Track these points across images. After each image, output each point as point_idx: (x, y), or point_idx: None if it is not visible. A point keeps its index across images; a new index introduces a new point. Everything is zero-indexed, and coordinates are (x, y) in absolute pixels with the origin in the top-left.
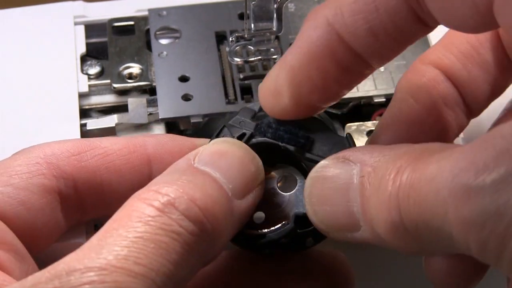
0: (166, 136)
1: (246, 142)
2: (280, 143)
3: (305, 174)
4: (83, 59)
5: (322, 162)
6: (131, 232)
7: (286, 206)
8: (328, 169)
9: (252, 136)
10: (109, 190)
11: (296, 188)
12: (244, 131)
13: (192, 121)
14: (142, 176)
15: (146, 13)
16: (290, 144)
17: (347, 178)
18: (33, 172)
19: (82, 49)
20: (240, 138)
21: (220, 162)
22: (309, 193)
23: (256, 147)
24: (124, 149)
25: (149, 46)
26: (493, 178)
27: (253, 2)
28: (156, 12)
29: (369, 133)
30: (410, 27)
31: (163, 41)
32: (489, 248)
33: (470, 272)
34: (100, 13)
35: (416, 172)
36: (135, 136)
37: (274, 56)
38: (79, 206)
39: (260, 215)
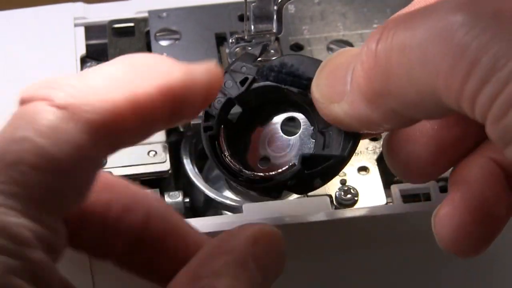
0: (180, 71)
1: (249, 87)
2: (282, 86)
3: (308, 116)
4: (83, 60)
5: (342, 49)
6: None
7: (291, 150)
8: (343, 50)
9: (254, 80)
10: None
11: (300, 131)
12: (246, 75)
13: (192, 122)
14: (165, 114)
15: (146, 14)
16: (293, 87)
17: (356, 54)
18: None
19: (82, 50)
20: (242, 83)
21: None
22: (318, 71)
23: (259, 91)
24: (151, 93)
25: (149, 48)
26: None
27: (253, 4)
28: (156, 14)
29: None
30: None
31: (163, 43)
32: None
33: (481, 231)
34: (100, 14)
35: (406, 31)
36: (152, 73)
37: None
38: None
39: (265, 159)
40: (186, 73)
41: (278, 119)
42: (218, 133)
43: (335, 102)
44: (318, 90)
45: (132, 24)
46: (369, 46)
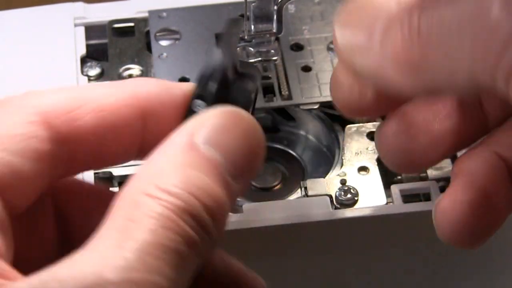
0: (155, 85)
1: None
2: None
3: None
4: (83, 60)
5: None
6: (147, 236)
7: None
8: None
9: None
10: (103, 149)
11: None
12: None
13: None
14: (135, 130)
15: (146, 14)
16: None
17: (388, 6)
18: (28, 134)
19: (82, 50)
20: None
21: (222, 140)
22: (342, 11)
23: None
24: (117, 103)
25: (149, 48)
26: None
27: (253, 4)
28: (156, 14)
29: (369, 134)
30: None
31: (163, 43)
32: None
33: (481, 223)
34: (100, 14)
35: (447, 7)
36: (125, 83)
37: (274, 58)
38: (69, 165)
39: None
40: (161, 88)
41: None
42: None
43: (359, 56)
44: (341, 36)
45: (132, 24)
46: (412, 17)
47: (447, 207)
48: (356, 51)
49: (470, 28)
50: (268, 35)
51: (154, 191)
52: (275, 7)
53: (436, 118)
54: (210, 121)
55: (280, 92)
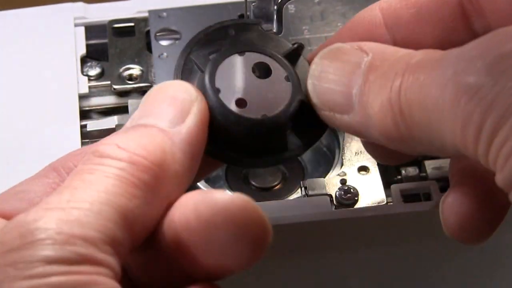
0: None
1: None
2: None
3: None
4: (83, 60)
5: (338, 44)
6: (61, 187)
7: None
8: (342, 50)
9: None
10: None
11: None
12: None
13: None
14: None
15: (146, 14)
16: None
17: (356, 63)
18: (39, 175)
19: (82, 50)
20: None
21: (145, 109)
22: (315, 67)
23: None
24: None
25: (149, 48)
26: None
27: (253, 4)
28: (156, 14)
29: None
30: (455, 24)
31: (163, 43)
32: (481, 139)
33: (487, 218)
34: (100, 14)
35: (423, 70)
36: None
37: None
38: None
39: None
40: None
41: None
42: None
43: (339, 113)
44: (316, 94)
45: (132, 24)
46: (393, 88)
47: (454, 202)
48: (335, 109)
49: (447, 113)
50: None
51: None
52: (275, 7)
53: None
54: (139, 106)
55: None
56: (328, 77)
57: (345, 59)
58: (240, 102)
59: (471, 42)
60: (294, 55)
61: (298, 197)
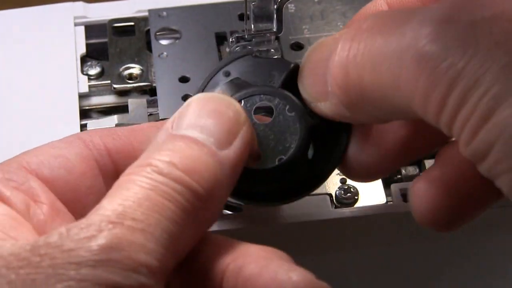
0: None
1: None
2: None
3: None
4: (83, 59)
5: (321, 39)
6: (123, 196)
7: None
8: (322, 43)
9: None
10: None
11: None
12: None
13: None
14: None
15: (146, 13)
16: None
17: (332, 50)
18: (70, 143)
19: (82, 49)
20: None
21: (195, 120)
22: (301, 67)
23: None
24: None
25: (149, 47)
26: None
27: (253, 3)
28: (156, 13)
29: None
30: None
31: (163, 42)
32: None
33: (455, 206)
34: (100, 13)
35: (378, 37)
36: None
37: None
38: (117, 174)
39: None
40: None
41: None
42: None
43: (321, 101)
44: (304, 89)
45: (132, 23)
46: (341, 54)
47: (422, 187)
48: (319, 99)
49: (405, 74)
50: (268, 35)
51: (142, 167)
52: (275, 6)
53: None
54: (182, 110)
55: None
56: (311, 72)
57: (323, 49)
58: (254, 156)
59: (439, 4)
60: (293, 76)
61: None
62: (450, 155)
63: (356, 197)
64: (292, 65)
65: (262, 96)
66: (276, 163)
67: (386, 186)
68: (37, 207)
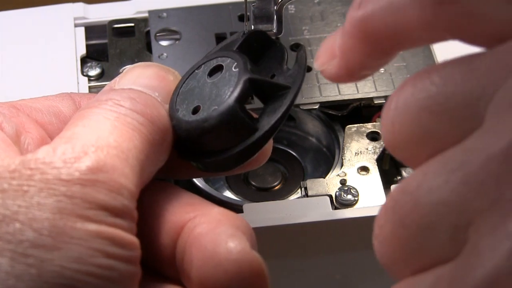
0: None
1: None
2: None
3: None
4: (83, 60)
5: None
6: (93, 125)
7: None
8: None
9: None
10: None
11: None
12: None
13: None
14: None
15: (146, 14)
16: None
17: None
18: (62, 98)
19: (82, 50)
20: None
21: (139, 79)
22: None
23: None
24: None
25: (149, 48)
26: None
27: (253, 4)
28: (156, 14)
29: (369, 134)
30: None
31: (163, 43)
32: None
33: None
34: (100, 14)
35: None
36: None
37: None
38: None
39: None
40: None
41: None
42: None
43: (330, 62)
44: (318, 64)
45: (132, 24)
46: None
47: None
48: (329, 62)
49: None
50: None
51: (103, 101)
52: (275, 7)
53: None
54: (125, 73)
55: None
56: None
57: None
58: (195, 109)
59: None
60: (251, 41)
61: (298, 197)
62: None
63: (356, 198)
64: (250, 31)
65: (218, 58)
66: (210, 112)
67: (386, 187)
68: (28, 137)
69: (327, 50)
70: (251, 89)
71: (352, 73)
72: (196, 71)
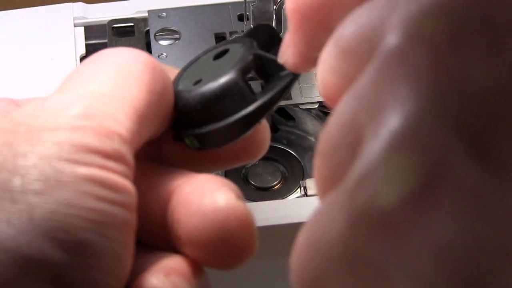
0: None
1: None
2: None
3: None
4: (83, 60)
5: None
6: (89, 77)
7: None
8: None
9: None
10: None
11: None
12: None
13: None
14: None
15: (145, 14)
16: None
17: None
18: None
19: (82, 50)
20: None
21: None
22: None
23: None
24: None
25: (149, 48)
26: None
27: (252, 4)
28: (155, 14)
29: None
30: None
31: (163, 43)
32: None
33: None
34: (99, 14)
35: None
36: None
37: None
38: None
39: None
40: None
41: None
42: None
43: (286, 52)
44: (279, 57)
45: (131, 24)
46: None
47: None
48: None
49: None
50: None
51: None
52: (275, 7)
53: None
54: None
55: None
56: None
57: None
58: (197, 82)
59: None
60: (269, 36)
61: (298, 197)
62: None
63: None
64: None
65: (227, 45)
66: (211, 81)
67: None
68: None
69: (284, 45)
70: (253, 64)
71: (306, 58)
72: (202, 57)
